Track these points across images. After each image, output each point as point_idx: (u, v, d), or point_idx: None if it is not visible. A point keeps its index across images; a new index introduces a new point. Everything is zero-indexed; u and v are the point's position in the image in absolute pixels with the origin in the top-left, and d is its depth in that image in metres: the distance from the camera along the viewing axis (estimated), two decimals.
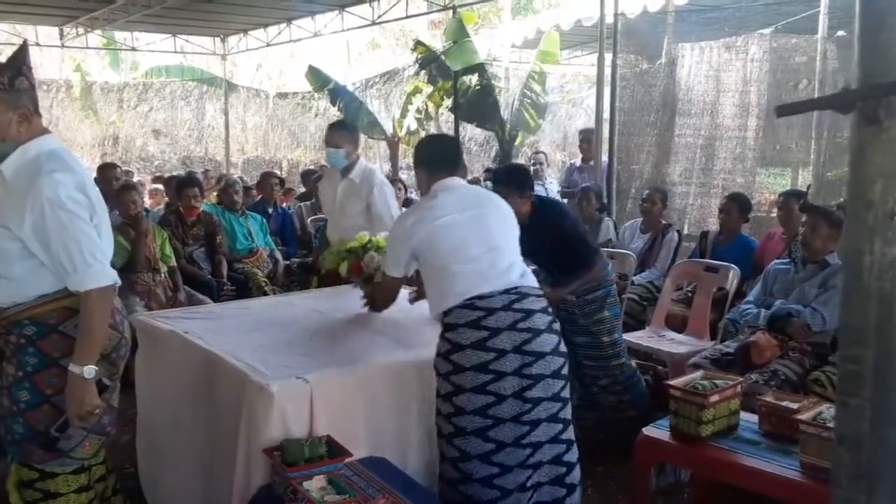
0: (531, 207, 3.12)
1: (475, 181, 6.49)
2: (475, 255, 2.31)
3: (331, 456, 2.07)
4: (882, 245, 0.85)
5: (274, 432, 2.10)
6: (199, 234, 5.04)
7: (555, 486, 2.28)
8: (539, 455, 2.24)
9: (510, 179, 3.14)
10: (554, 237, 3.12)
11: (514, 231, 2.48)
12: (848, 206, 0.92)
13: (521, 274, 2.34)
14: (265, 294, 4.75)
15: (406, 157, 12.36)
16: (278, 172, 11.81)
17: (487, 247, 2.33)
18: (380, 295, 2.73)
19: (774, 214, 4.78)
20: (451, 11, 8.92)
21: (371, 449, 2.28)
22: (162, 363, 2.68)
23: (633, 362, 3.42)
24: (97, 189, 2.11)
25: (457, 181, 2.52)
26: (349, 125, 4.10)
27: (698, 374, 2.64)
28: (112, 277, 2.02)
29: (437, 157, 2.57)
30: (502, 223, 2.45)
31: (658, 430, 2.53)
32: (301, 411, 2.16)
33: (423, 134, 10.94)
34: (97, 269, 1.97)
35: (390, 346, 2.55)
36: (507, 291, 2.25)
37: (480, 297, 2.22)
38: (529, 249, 3.45)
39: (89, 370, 1.96)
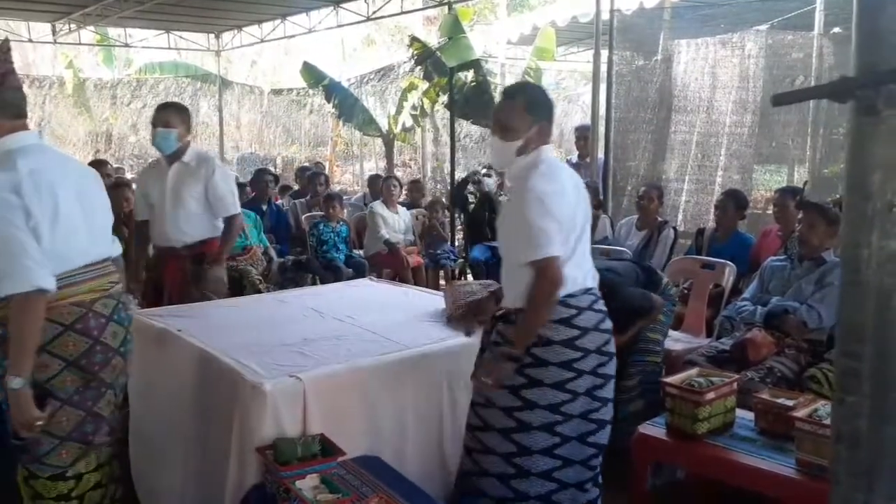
0: None
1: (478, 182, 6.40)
2: (578, 245, 2.16)
3: (324, 455, 2.05)
4: (880, 238, 0.83)
5: (267, 431, 2.09)
6: None
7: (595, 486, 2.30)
8: (599, 459, 2.24)
9: None
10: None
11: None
12: (845, 198, 0.90)
13: (594, 274, 2.25)
14: (259, 292, 4.72)
15: (402, 153, 12.34)
16: (273, 169, 11.80)
17: (584, 238, 2.19)
18: (546, 288, 2.07)
19: (771, 211, 4.78)
20: (446, 7, 8.88)
21: (365, 447, 2.27)
22: (155, 362, 2.66)
23: (663, 368, 3.30)
24: (55, 189, 1.99)
25: (553, 150, 2.30)
26: (181, 105, 3.60)
27: (694, 371, 2.63)
28: (35, 284, 1.89)
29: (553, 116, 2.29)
30: (587, 208, 2.25)
31: (654, 428, 2.51)
32: (294, 410, 2.14)
33: (418, 131, 10.91)
34: (20, 275, 1.88)
35: (384, 345, 2.53)
36: (586, 291, 2.19)
37: (570, 296, 2.14)
38: None
39: (16, 381, 1.89)
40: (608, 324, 2.22)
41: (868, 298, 0.84)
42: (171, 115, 3.38)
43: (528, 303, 2.10)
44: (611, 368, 2.23)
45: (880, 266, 0.83)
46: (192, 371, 2.46)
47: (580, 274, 2.17)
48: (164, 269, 3.46)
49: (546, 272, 2.06)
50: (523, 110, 2.20)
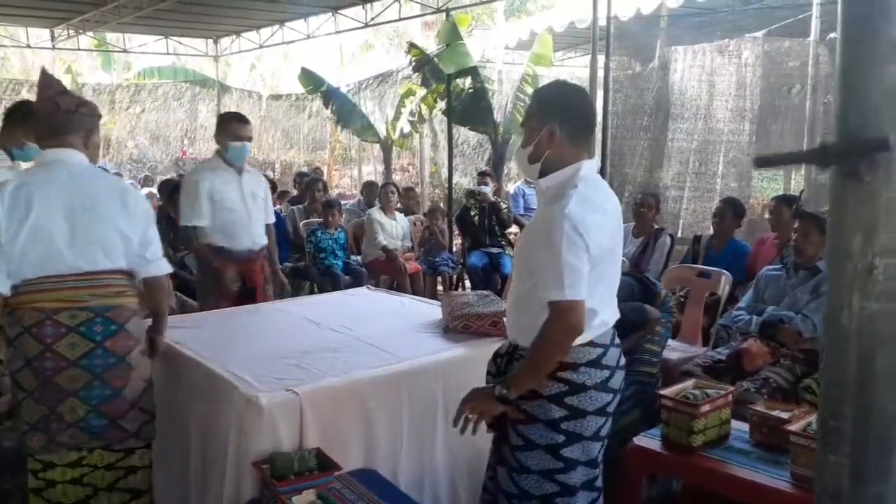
0: None
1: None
2: (606, 276, 1.89)
3: (320, 469, 2.05)
4: (861, 299, 0.82)
5: (263, 445, 2.09)
6: None
7: None
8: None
9: None
10: None
11: None
12: (828, 258, 0.89)
13: (614, 305, 2.00)
14: None
15: (400, 158, 12.34)
16: (271, 174, 11.79)
17: (614, 269, 1.94)
18: (562, 333, 1.80)
19: (767, 217, 4.79)
20: (444, 13, 8.90)
21: (361, 461, 2.27)
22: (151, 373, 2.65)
23: (659, 380, 3.27)
24: (32, 202, 2.15)
25: (595, 167, 1.94)
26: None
27: (690, 382, 2.64)
28: None
29: (587, 121, 1.94)
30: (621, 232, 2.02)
31: (649, 440, 2.52)
32: (291, 424, 2.14)
33: (416, 136, 10.90)
34: None
35: (381, 357, 2.54)
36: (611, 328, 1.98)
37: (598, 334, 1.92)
38: None
39: None
40: (622, 360, 2.00)
41: (849, 359, 0.84)
42: (249, 129, 3.64)
43: (536, 345, 1.81)
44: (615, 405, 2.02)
45: (861, 327, 0.83)
46: (187, 383, 2.46)
47: (609, 310, 1.93)
48: (251, 271, 3.66)
49: (565, 317, 1.77)
50: (534, 111, 1.92)
